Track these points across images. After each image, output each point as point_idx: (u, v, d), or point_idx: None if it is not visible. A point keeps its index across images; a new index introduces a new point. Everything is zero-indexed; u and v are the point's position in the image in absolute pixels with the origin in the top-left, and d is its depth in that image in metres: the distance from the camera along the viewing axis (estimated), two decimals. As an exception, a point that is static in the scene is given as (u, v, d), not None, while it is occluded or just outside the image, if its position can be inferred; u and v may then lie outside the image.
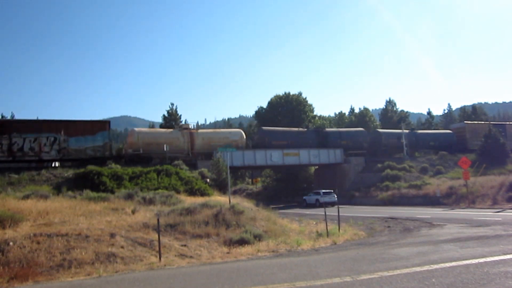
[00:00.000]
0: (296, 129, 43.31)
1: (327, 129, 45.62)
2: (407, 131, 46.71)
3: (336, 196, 33.98)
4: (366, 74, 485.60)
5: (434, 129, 61.34)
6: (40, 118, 31.32)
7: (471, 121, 55.56)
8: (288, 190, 49.86)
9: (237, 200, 19.92)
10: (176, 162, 29.95)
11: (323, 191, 35.40)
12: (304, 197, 38.25)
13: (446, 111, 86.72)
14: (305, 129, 43.51)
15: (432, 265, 7.94)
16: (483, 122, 52.02)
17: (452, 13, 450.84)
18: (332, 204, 31.41)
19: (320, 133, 42.80)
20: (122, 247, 11.13)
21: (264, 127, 42.51)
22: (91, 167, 25.16)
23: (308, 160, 39.84)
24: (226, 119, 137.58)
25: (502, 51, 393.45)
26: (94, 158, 28.73)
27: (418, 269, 7.67)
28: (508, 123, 54.23)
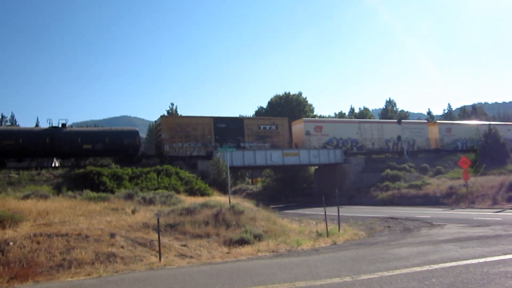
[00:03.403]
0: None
1: None
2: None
3: None
4: (366, 74, 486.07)
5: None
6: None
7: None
8: (288, 190, 49.87)
9: (237, 200, 19.92)
10: (176, 162, 29.99)
11: None
12: None
13: (446, 111, 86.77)
14: None
15: (432, 265, 7.94)
16: (191, 116, 35.45)
17: (452, 13, 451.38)
18: None
19: None
20: (122, 247, 11.13)
21: None
22: (91, 167, 25.19)
23: (308, 160, 39.81)
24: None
25: (502, 51, 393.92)
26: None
27: (418, 269, 7.67)
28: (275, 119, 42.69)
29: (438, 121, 52.08)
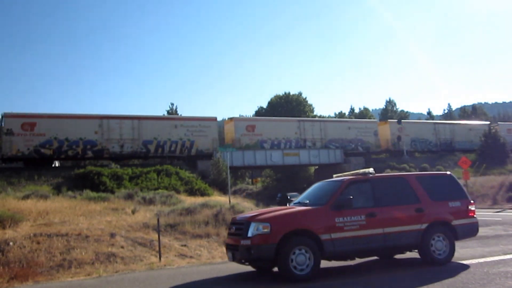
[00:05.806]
0: None
1: None
2: None
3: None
4: (366, 74, 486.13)
5: None
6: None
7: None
8: (288, 190, 49.81)
9: (237, 200, 19.92)
10: (176, 162, 29.97)
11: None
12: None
13: (446, 111, 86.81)
14: None
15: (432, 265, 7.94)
16: None
17: (452, 13, 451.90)
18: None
19: None
20: (122, 247, 11.13)
21: None
22: (91, 167, 25.20)
23: (308, 160, 39.83)
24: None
25: (502, 51, 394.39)
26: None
27: (418, 269, 7.67)
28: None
29: (235, 118, 44.39)
